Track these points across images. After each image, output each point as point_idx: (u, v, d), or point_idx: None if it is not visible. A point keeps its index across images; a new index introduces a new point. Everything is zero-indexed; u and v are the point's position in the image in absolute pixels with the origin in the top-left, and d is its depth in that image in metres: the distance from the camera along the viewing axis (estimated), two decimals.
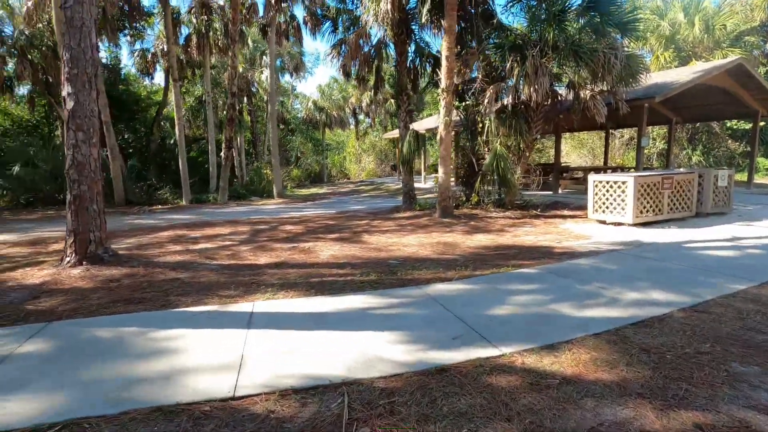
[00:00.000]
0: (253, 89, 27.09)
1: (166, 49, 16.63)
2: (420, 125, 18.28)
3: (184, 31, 18.57)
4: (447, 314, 3.45)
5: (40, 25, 16.06)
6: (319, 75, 73.89)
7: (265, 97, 23.46)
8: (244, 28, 18.83)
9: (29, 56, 16.64)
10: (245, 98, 26.24)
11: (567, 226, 7.98)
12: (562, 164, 16.21)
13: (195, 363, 2.66)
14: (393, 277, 4.69)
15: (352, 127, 37.07)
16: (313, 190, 24.05)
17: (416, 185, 14.36)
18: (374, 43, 11.24)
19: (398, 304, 3.76)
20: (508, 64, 9.01)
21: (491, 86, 9.36)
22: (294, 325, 3.26)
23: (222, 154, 16.12)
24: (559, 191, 13.38)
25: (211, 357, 2.74)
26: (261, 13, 17.29)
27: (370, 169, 33.84)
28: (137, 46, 19.87)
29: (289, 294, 4.09)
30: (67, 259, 5.22)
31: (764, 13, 19.92)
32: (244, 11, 17.18)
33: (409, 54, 11.28)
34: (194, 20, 17.55)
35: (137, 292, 4.25)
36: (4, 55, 17.67)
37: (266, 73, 18.46)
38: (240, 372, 2.54)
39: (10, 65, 18.13)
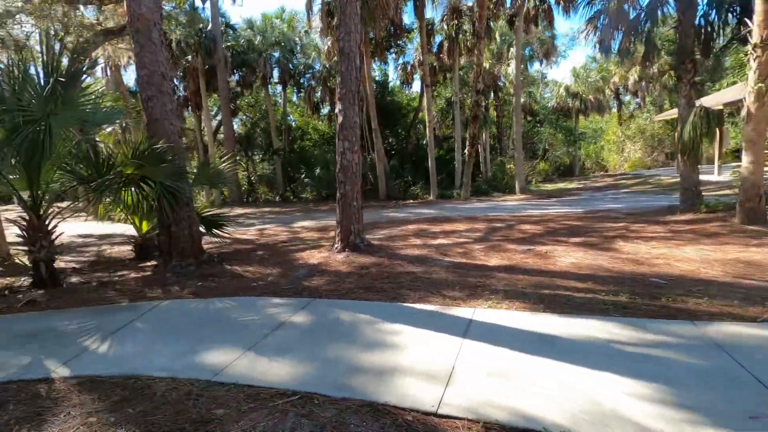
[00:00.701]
0: (500, 83, 26.97)
1: (421, 59, 18.45)
2: (713, 99, 13.95)
3: (437, 39, 20.18)
4: (740, 373, 2.35)
5: (335, 58, 20.63)
6: (573, 57, 67.09)
7: (511, 90, 22.93)
8: (491, 23, 18.87)
9: (328, 84, 21.64)
10: (491, 94, 26.42)
11: None
12: None
13: (408, 364, 2.70)
14: (654, 302, 3.61)
15: (613, 110, 32.04)
16: (561, 185, 22.04)
17: (705, 178, 11.03)
18: (645, 3, 9.13)
19: (658, 343, 2.83)
20: None
21: None
22: (513, 344, 2.90)
23: (465, 151, 16.71)
24: None
25: (423, 362, 2.73)
26: (509, 4, 16.89)
27: (636, 159, 28.35)
28: (400, 60, 22.89)
29: (514, 305, 3.72)
30: (336, 245, 6.42)
31: None
32: (491, 6, 17.17)
33: (700, 6, 8.61)
34: (446, 26, 18.77)
35: (378, 281, 4.78)
36: (315, 86, 23.66)
37: (513, 65, 17.99)
38: (447, 386, 2.41)
39: (319, 92, 24.13)
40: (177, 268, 5.67)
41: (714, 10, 8.74)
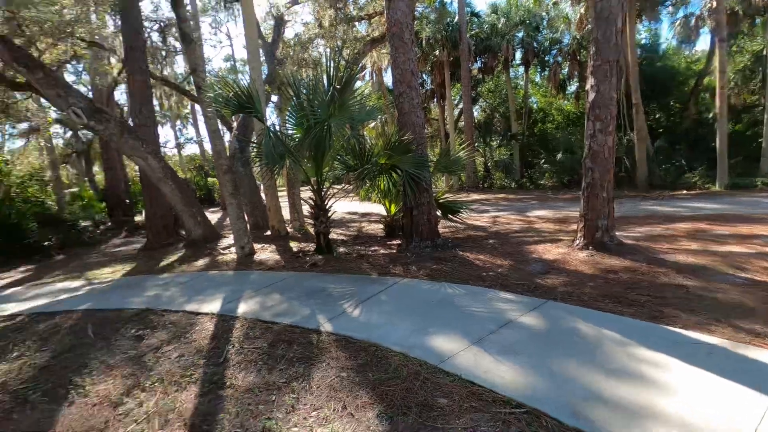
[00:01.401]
0: None
1: (713, 5, 14.11)
2: None
3: None
4: None
5: (589, 26, 18.13)
6: None
7: None
8: None
9: (578, 57, 19.32)
10: None
11: None
12: None
13: (675, 414, 2.06)
14: None
15: None
16: None
17: None
18: None
19: None
20: None
21: None
22: None
23: None
24: None
25: (700, 417, 2.03)
26: None
27: None
28: (679, 14, 18.15)
29: None
30: (577, 241, 5.67)
31: None
32: None
33: None
34: None
35: (631, 291, 3.93)
36: (561, 62, 21.61)
37: None
38: None
39: (566, 69, 21.93)
40: (416, 249, 6.21)
41: None
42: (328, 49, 11.16)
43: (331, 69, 6.31)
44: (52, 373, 3.26)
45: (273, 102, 12.05)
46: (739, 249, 5.34)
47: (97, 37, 12.77)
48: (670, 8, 18.20)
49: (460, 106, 25.59)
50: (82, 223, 12.65)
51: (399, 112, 6.41)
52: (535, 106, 26.69)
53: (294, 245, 7.76)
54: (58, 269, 8.12)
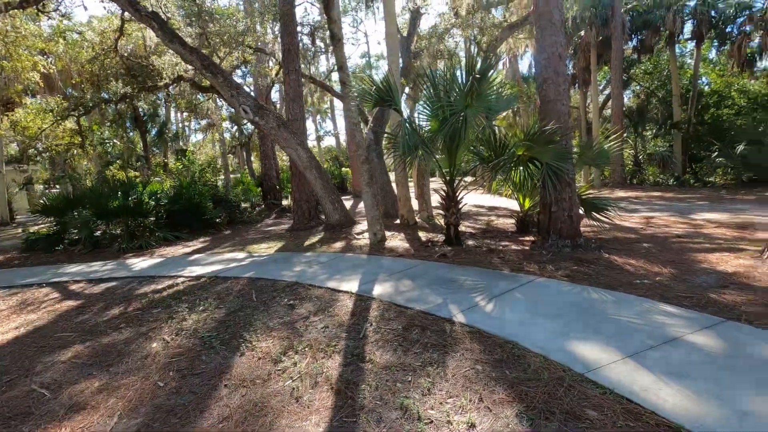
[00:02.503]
0: None
1: None
2: None
3: None
4: None
5: None
6: None
7: None
8: None
9: None
10: None
11: None
12: None
13: None
14: None
15: None
16: None
17: None
18: None
19: None
20: None
21: None
22: None
23: None
24: None
25: None
26: None
27: None
28: None
29: None
30: (767, 252, 4.61)
31: None
32: None
33: None
34: None
35: None
36: (750, 32, 17.59)
37: None
38: None
39: (757, 41, 17.81)
40: (553, 247, 5.78)
41: None
42: (463, 40, 10.99)
43: (468, 58, 6.20)
44: (227, 327, 3.92)
45: (406, 94, 12.38)
46: None
47: (260, 43, 14.76)
48: None
49: (607, 91, 22.83)
50: (243, 205, 14.88)
51: (542, 99, 5.99)
52: (707, 88, 22.31)
53: (422, 235, 7.92)
54: (226, 241, 9.71)
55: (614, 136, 8.81)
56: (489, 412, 2.25)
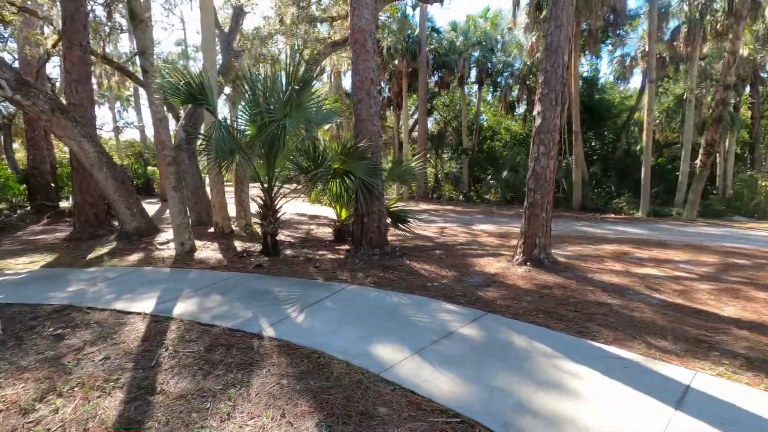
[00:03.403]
0: (763, 74, 20.60)
1: (646, 49, 15.60)
2: None
3: (672, 24, 16.67)
4: None
5: (538, 55, 19.31)
6: None
7: None
8: None
9: (527, 83, 20.49)
10: (747, 87, 20.47)
11: None
12: None
13: (591, 423, 2.25)
14: None
15: None
16: None
17: None
18: None
19: None
20: None
21: None
22: None
23: (698, 160, 13.42)
24: None
25: (609, 425, 2.22)
26: None
27: None
28: (617, 53, 19.90)
29: (762, 381, 2.71)
30: (516, 257, 5.99)
31: None
32: None
33: None
34: (686, 7, 15.33)
35: (561, 306, 4.21)
36: (512, 85, 22.80)
37: None
38: None
39: (515, 92, 23.15)
40: (365, 255, 6.24)
41: None
42: (288, 47, 10.98)
43: (291, 67, 6.23)
44: None
45: (225, 94, 11.61)
46: (655, 272, 5.91)
47: (30, 2, 11.65)
48: (610, 47, 19.88)
49: (416, 116, 26.14)
50: None
51: (356, 118, 6.44)
52: (485, 123, 27.90)
53: (239, 244, 7.50)
54: None
55: (419, 156, 10.17)
56: (290, 427, 2.26)
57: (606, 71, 22.04)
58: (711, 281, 5.44)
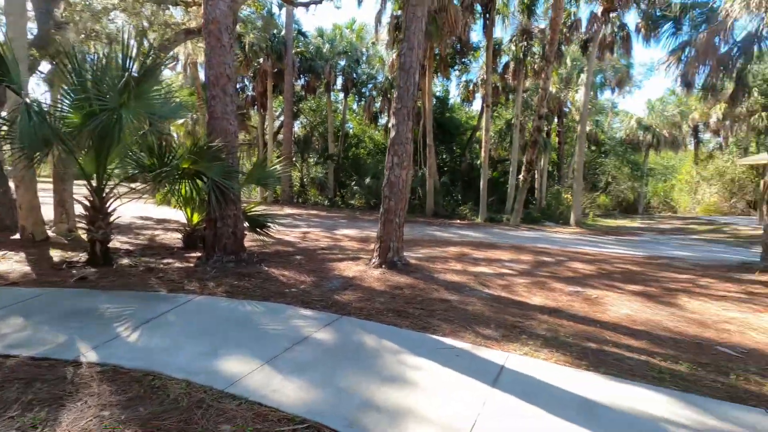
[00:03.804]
0: (566, 109, 25.92)
1: (484, 78, 18.14)
2: None
3: (503, 60, 19.77)
4: None
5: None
6: (649, 88, 63.55)
7: (577, 117, 21.94)
8: (562, 47, 18.21)
9: (388, 96, 21.84)
10: (555, 119, 25.48)
11: None
12: None
13: (426, 409, 2.49)
14: (719, 378, 3.14)
15: (689, 148, 29.72)
16: (621, 223, 20.66)
17: None
18: (738, 39, 8.34)
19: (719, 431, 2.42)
20: None
21: None
22: (547, 404, 2.60)
23: (520, 176, 16.11)
24: None
25: (443, 409, 2.51)
26: (583, 29, 16.20)
27: (711, 203, 26.03)
28: (463, 78, 22.69)
29: (554, 356, 3.38)
30: (373, 260, 6.31)
31: None
32: (564, 30, 16.58)
33: None
34: (513, 47, 18.36)
35: (410, 305, 4.59)
36: (375, 96, 24.03)
37: (582, 91, 17.18)
38: None
39: (378, 103, 24.45)
40: (218, 263, 5.81)
41: None
42: (130, 27, 9.61)
43: (132, 50, 5.47)
44: None
45: (42, 72, 9.57)
46: (487, 270, 6.89)
47: None
48: (458, 72, 22.56)
49: (282, 118, 25.52)
50: None
51: (210, 116, 5.99)
52: (351, 131, 28.79)
53: (57, 254, 6.24)
54: None
55: (283, 159, 9.94)
56: None
57: (455, 93, 24.94)
58: (526, 276, 6.57)
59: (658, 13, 10.55)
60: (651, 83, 69.13)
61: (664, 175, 32.43)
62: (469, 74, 23.44)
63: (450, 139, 24.47)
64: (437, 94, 25.68)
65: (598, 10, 14.78)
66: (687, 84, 9.23)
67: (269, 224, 7.36)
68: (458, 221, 16.69)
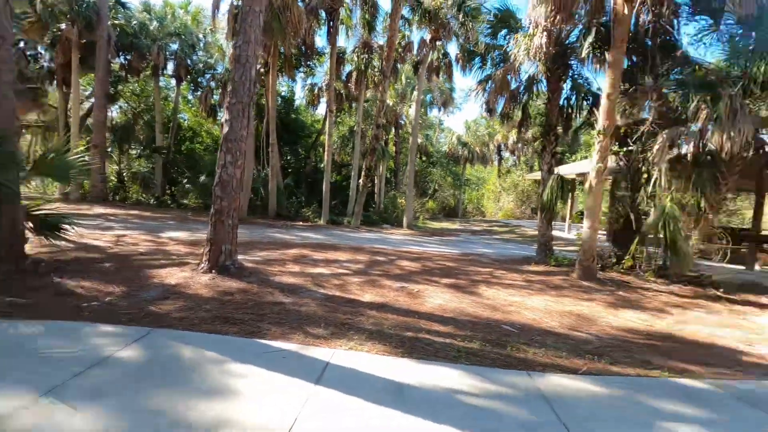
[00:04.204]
0: (402, 122, 28.49)
1: (328, 84, 18.60)
2: (569, 169, 16.53)
3: (347, 68, 20.64)
4: (558, 429, 2.57)
5: None
6: (467, 110, 74.81)
7: (411, 130, 24.38)
8: (398, 65, 19.98)
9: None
10: (393, 129, 27.74)
11: (764, 321, 5.87)
12: (766, 232, 12.59)
13: (244, 418, 2.41)
14: (500, 350, 3.89)
15: (495, 163, 35.96)
16: (445, 225, 23.70)
17: (558, 234, 12.80)
18: (523, 79, 10.50)
19: (495, 394, 3.00)
20: (693, 105, 7.31)
21: (665, 131, 7.71)
22: (364, 393, 2.81)
23: (360, 180, 17.03)
24: (756, 267, 10.28)
25: (259, 415, 2.47)
26: (415, 51, 18.11)
27: (509, 209, 32.06)
28: (308, 81, 22.81)
29: (375, 348, 3.67)
30: (202, 265, 5.80)
31: None
32: (399, 49, 18.24)
33: (564, 91, 10.20)
34: (356, 58, 19.32)
35: (240, 311, 4.37)
36: (214, 88, 22.19)
37: (414, 108, 19.16)
38: None
39: (217, 96, 22.65)
40: None
41: (574, 96, 10.42)
42: None
43: None
44: None
45: None
46: (325, 271, 7.06)
47: None
48: (303, 74, 22.57)
49: (93, 99, 21.34)
50: None
51: None
52: (185, 122, 25.94)
53: None
54: None
55: (89, 147, 8.29)
56: None
57: (301, 95, 24.86)
58: (361, 275, 6.96)
59: (471, 48, 12.53)
60: (469, 106, 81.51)
61: (477, 185, 38.60)
62: (315, 78, 23.74)
63: (295, 141, 24.28)
64: (283, 93, 25.22)
65: (427, 37, 16.75)
66: (489, 110, 11.24)
67: (66, 226, 6.06)
68: (301, 223, 16.66)
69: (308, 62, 21.09)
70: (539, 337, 4.43)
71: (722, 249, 11.07)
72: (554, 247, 10.60)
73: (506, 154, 34.48)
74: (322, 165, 21.79)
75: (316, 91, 21.89)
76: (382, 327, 4.27)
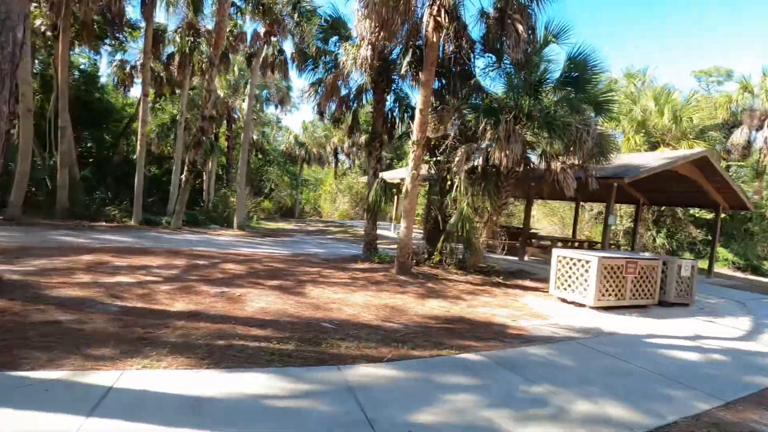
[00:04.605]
0: (235, 116, 26.74)
1: (142, 62, 16.17)
2: (393, 174, 18.15)
3: (171, 49, 18.25)
4: (358, 417, 2.75)
5: None
6: (304, 111, 75.07)
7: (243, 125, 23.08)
8: (230, 55, 18.67)
9: None
10: (225, 123, 25.80)
11: (526, 300, 7.50)
12: (531, 230, 16.14)
13: None
14: (315, 348, 3.97)
15: (332, 165, 36.95)
16: (280, 225, 23.21)
17: (384, 233, 13.86)
18: (353, 87, 11.07)
19: (306, 392, 3.05)
20: (482, 126, 8.88)
21: (463, 146, 9.16)
22: (153, 417, 2.49)
23: (183, 176, 15.31)
24: (525, 258, 13.10)
25: None
26: (248, 43, 17.21)
27: (344, 210, 33.38)
28: (117, 56, 19.39)
29: (176, 362, 3.31)
30: None
31: (726, 113, 21.43)
32: (231, 38, 17.07)
33: (388, 102, 11.13)
34: (179, 40, 17.29)
35: None
36: None
37: (247, 101, 18.13)
38: None
39: None
40: None
41: (397, 108, 11.48)
42: None
43: None
44: None
45: None
46: (127, 279, 6.07)
47: None
48: (110, 47, 19.05)
49: None
50: None
51: None
52: None
53: None
54: None
55: None
56: None
57: (108, 71, 20.82)
58: (174, 282, 6.23)
59: (305, 49, 12.55)
60: (306, 107, 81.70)
61: (315, 186, 39.00)
62: (128, 55, 20.25)
63: (100, 125, 20.28)
64: (83, 67, 20.80)
65: (261, 30, 16.07)
66: (320, 113, 11.48)
67: None
68: (105, 224, 13.98)
69: (117, 34, 17.90)
70: (355, 331, 4.70)
71: (503, 244, 13.77)
72: (379, 246, 11.47)
73: (342, 157, 35.80)
74: (135, 156, 18.81)
75: (128, 69, 18.67)
76: (190, 338, 3.90)
